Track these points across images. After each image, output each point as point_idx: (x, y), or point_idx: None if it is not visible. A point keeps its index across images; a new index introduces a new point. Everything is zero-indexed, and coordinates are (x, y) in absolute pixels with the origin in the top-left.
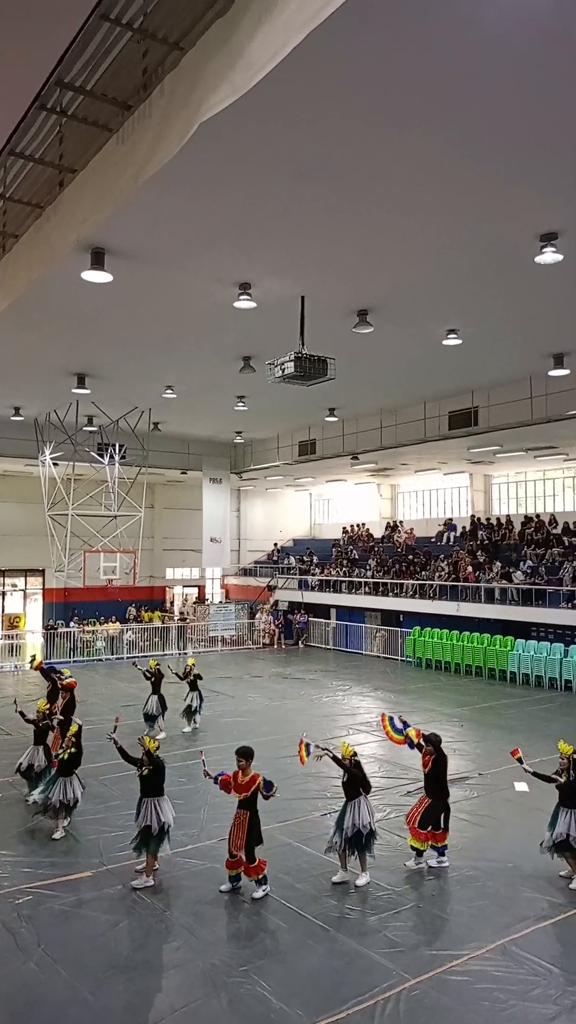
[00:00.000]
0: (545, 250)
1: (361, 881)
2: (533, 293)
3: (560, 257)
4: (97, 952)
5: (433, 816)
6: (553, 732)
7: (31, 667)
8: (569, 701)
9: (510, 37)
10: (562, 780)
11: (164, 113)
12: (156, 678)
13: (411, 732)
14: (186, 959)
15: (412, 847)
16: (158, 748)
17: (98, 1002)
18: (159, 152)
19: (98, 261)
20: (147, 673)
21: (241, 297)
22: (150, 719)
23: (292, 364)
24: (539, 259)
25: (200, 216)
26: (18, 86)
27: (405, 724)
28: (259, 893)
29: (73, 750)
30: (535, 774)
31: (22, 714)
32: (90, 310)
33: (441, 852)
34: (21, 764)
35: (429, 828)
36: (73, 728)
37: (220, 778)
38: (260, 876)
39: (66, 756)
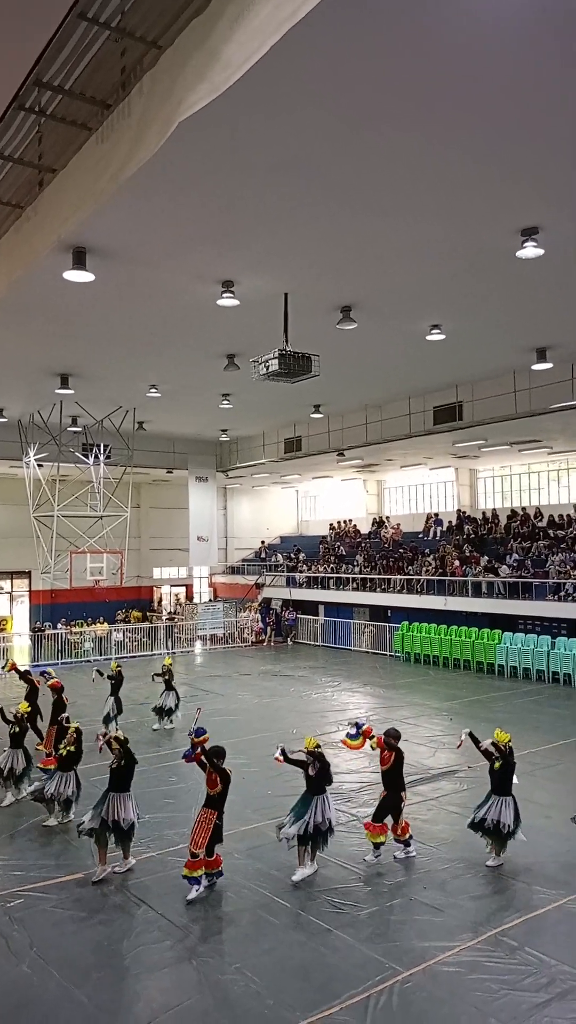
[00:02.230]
0: (526, 245)
1: (296, 876)
2: (515, 288)
3: (541, 252)
4: (90, 953)
5: (386, 809)
6: (542, 724)
7: (3, 669)
8: (557, 693)
9: (488, 36)
10: (497, 766)
11: (143, 112)
12: (116, 680)
13: (364, 739)
14: (179, 958)
15: (372, 843)
16: (127, 741)
17: (91, 1002)
18: (139, 151)
19: (80, 260)
20: (108, 675)
21: (224, 295)
22: (107, 721)
23: (276, 361)
24: (520, 254)
25: (181, 214)
26: None
27: (359, 726)
28: (192, 895)
29: (72, 748)
30: (471, 734)
31: (1, 712)
32: (72, 310)
33: (407, 843)
34: (1, 769)
35: (383, 821)
36: (73, 726)
37: (196, 745)
38: (216, 871)
39: (65, 752)
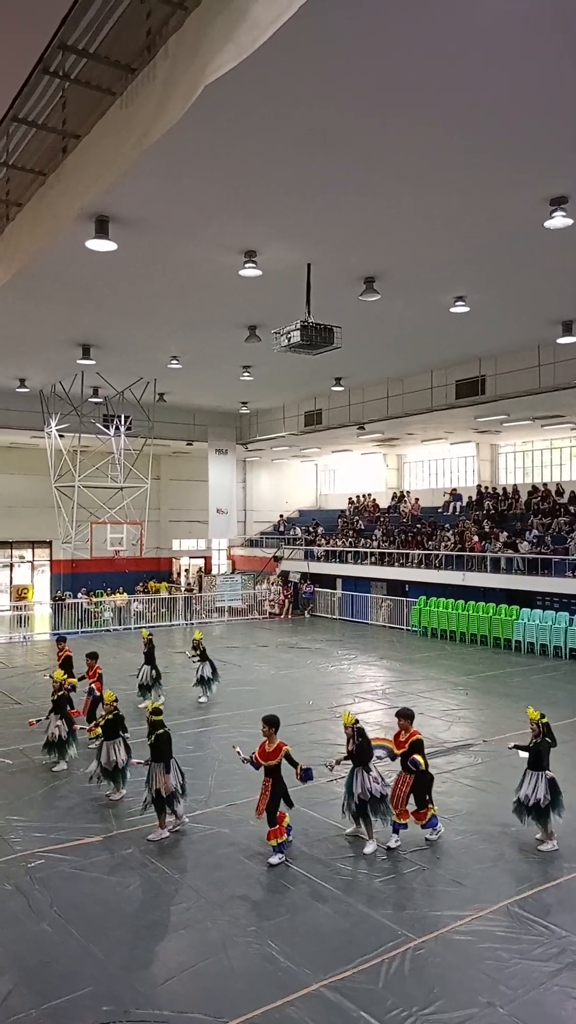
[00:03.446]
0: (555, 214)
1: (368, 849)
2: (542, 259)
3: (570, 221)
4: (108, 913)
5: (424, 791)
6: (558, 699)
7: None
8: (574, 669)
9: (514, 4)
10: (532, 743)
11: (168, 76)
12: (149, 649)
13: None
14: (195, 920)
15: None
16: (160, 714)
17: (110, 961)
18: (164, 116)
19: (102, 229)
20: (143, 646)
21: (247, 265)
22: (144, 689)
23: (298, 333)
24: (548, 223)
25: (205, 182)
26: (20, 50)
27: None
28: (275, 859)
29: (110, 717)
30: (516, 746)
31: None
32: (94, 279)
33: (430, 824)
34: (50, 737)
35: (427, 805)
36: (110, 695)
37: (253, 756)
38: (278, 843)
39: (103, 723)
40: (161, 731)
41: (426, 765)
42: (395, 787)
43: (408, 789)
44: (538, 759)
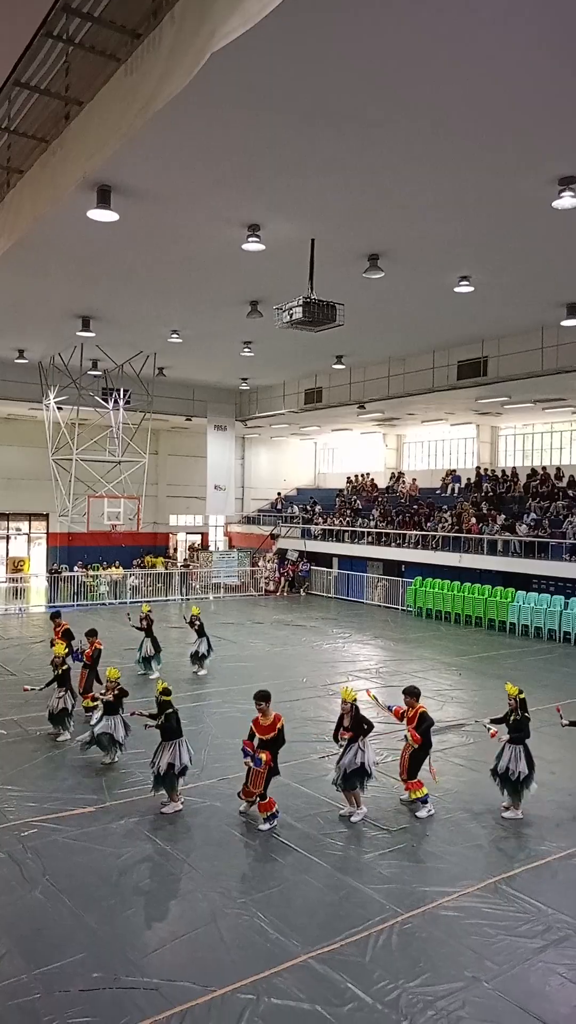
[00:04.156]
0: (563, 194)
1: (355, 817)
2: (549, 239)
3: None
4: (101, 883)
5: (419, 763)
6: (551, 682)
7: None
8: (568, 652)
9: None
10: (512, 719)
11: (174, 43)
12: (148, 623)
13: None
14: (186, 891)
15: (419, 798)
16: (169, 694)
17: (101, 929)
18: (168, 84)
19: (104, 199)
20: (140, 621)
21: (250, 239)
22: (146, 662)
23: (300, 309)
24: (557, 204)
25: (209, 153)
26: (23, 12)
27: (390, 708)
28: (264, 826)
29: (112, 696)
30: (492, 720)
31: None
32: (96, 250)
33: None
34: (53, 709)
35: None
36: (114, 673)
37: (255, 753)
38: (269, 813)
39: (111, 697)
40: (171, 711)
41: (427, 738)
42: (401, 758)
43: (408, 759)
44: (516, 733)
